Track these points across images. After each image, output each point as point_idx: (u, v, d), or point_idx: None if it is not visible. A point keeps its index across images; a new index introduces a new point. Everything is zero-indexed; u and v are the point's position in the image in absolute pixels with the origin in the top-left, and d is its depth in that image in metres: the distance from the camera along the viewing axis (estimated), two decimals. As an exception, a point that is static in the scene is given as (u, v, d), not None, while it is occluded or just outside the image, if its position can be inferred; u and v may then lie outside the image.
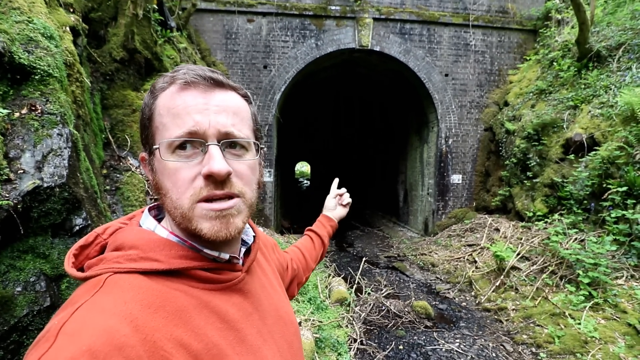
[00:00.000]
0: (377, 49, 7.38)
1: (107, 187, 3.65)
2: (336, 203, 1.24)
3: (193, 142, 0.51)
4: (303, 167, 29.10)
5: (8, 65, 2.43)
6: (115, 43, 4.33)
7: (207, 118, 0.52)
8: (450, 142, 7.79)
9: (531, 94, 6.72)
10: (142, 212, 0.61)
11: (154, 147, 0.53)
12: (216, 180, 0.51)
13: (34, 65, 2.58)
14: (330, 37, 7.29)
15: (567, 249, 4.39)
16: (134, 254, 0.51)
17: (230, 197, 0.53)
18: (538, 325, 3.79)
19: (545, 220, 5.34)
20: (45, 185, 2.29)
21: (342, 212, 1.25)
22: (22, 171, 2.26)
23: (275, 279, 0.75)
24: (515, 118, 6.83)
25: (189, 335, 0.47)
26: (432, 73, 7.61)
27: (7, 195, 2.11)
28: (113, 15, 4.49)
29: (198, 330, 0.49)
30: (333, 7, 7.19)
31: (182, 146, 0.51)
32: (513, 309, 4.26)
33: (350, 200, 1.25)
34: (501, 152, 7.10)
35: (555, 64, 6.46)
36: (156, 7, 5.03)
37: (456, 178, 7.88)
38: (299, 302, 3.98)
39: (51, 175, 2.35)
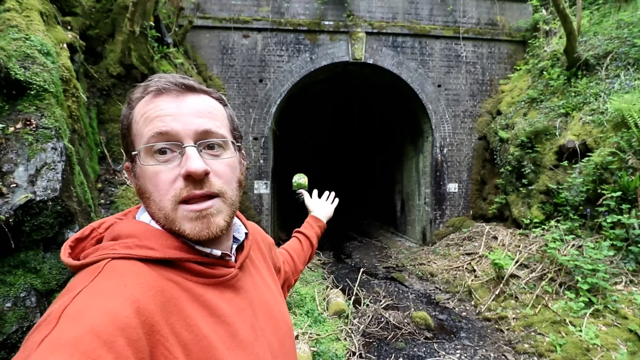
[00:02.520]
0: (371, 61, 7.51)
1: (102, 201, 3.63)
2: (321, 203, 1.20)
3: (170, 146, 0.53)
4: (300, 179, 29.11)
5: (4, 80, 2.46)
6: (112, 59, 4.39)
7: (180, 121, 0.53)
8: (445, 151, 7.85)
9: (523, 103, 6.82)
10: (138, 208, 0.62)
11: (134, 153, 0.55)
12: (195, 180, 0.52)
13: (30, 80, 2.60)
14: (324, 51, 7.42)
15: (565, 255, 4.38)
16: (130, 242, 0.51)
17: (209, 196, 0.54)
18: (539, 334, 3.74)
19: (543, 227, 5.35)
20: (38, 198, 2.29)
21: (329, 210, 1.25)
22: (14, 185, 2.26)
23: (269, 277, 0.75)
24: (508, 126, 6.92)
25: (180, 325, 0.48)
26: (425, 84, 7.74)
27: (1, 209, 2.09)
28: (110, 32, 4.57)
29: (189, 321, 0.49)
30: (326, 22, 7.35)
31: (161, 151, 0.53)
32: (513, 318, 4.21)
33: (336, 199, 1.21)
34: (496, 160, 7.16)
35: (545, 73, 6.59)
36: (153, 24, 5.13)
37: (452, 187, 7.91)
38: (296, 315, 3.92)
39: (44, 189, 2.35)
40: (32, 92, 2.59)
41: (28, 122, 2.53)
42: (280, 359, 0.63)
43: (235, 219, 0.70)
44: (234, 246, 0.65)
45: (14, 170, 2.30)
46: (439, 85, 7.78)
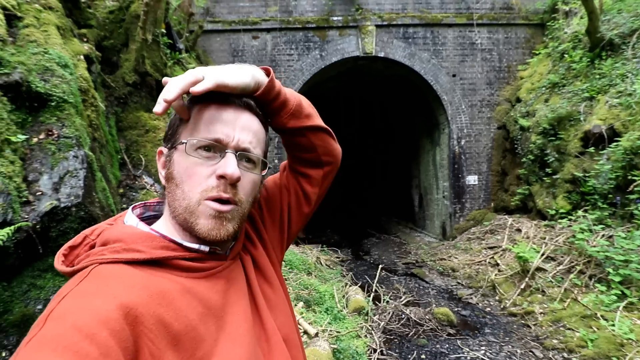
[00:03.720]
0: (382, 55, 7.41)
1: (124, 206, 3.75)
2: None
3: (216, 147, 0.58)
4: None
5: (26, 94, 2.57)
6: (127, 68, 4.52)
7: (233, 131, 0.59)
8: (462, 143, 7.65)
9: (544, 88, 6.55)
10: (126, 212, 0.64)
11: (182, 141, 0.58)
12: (226, 183, 0.57)
13: (50, 92, 2.71)
14: (334, 47, 7.38)
15: (594, 246, 4.18)
16: (118, 246, 0.53)
17: (231, 202, 0.58)
18: (569, 329, 3.59)
19: (569, 217, 5.12)
20: (62, 205, 2.38)
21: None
22: (40, 193, 2.35)
23: (267, 263, 0.73)
24: (529, 114, 6.66)
25: (170, 316, 0.48)
26: (439, 75, 7.56)
27: (27, 216, 2.19)
28: (124, 42, 4.69)
29: (179, 312, 0.50)
30: (335, 18, 7.30)
31: (206, 148, 0.58)
32: (541, 313, 4.06)
33: None
34: (517, 150, 6.91)
35: (566, 56, 6.30)
36: (165, 32, 5.24)
37: (472, 179, 7.71)
38: (315, 313, 3.92)
39: (68, 196, 2.44)
40: (52, 104, 2.70)
41: (50, 133, 2.63)
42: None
43: None
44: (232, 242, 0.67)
45: (39, 179, 2.41)
46: (454, 75, 7.59)
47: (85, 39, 4.00)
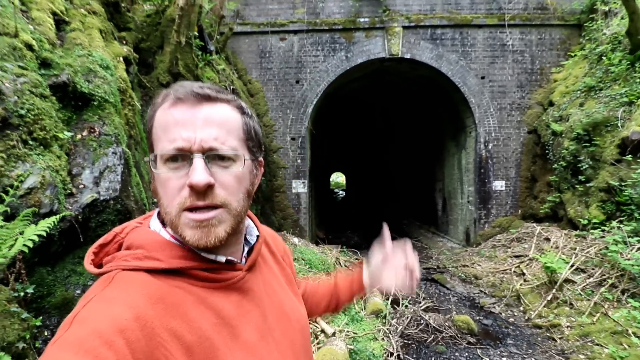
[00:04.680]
0: (408, 56, 7.34)
1: (155, 200, 3.93)
2: (384, 264, 0.90)
3: (180, 155, 0.55)
4: (338, 178, 29.16)
5: (72, 94, 2.78)
6: (161, 69, 4.75)
7: (193, 132, 0.54)
8: (490, 147, 7.44)
9: (579, 92, 6.26)
10: (153, 214, 0.65)
11: (146, 159, 0.59)
12: (198, 192, 0.54)
13: (93, 92, 2.91)
14: (360, 49, 7.38)
15: (628, 259, 3.97)
16: (139, 253, 0.56)
17: (213, 207, 0.55)
18: (597, 345, 3.44)
19: (602, 228, 4.88)
20: (101, 198, 2.56)
21: (390, 283, 0.87)
22: (82, 186, 2.54)
23: (283, 277, 0.76)
24: (562, 118, 6.39)
25: (183, 328, 0.51)
26: (467, 76, 7.39)
27: (70, 207, 2.38)
28: (160, 44, 4.93)
29: (193, 323, 0.53)
30: (362, 20, 7.30)
31: (173, 158, 0.55)
32: (568, 326, 3.91)
33: (418, 275, 0.87)
34: (548, 156, 6.65)
35: (604, 58, 5.99)
36: (197, 34, 5.45)
37: (499, 184, 7.48)
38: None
39: (106, 190, 2.62)
40: (95, 103, 2.90)
41: (92, 130, 2.83)
42: (289, 357, 0.65)
43: (249, 222, 0.72)
44: (246, 248, 0.68)
45: (81, 173, 2.60)
46: (483, 77, 7.39)
47: (124, 42, 4.25)
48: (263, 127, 7.26)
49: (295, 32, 7.38)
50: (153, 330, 0.48)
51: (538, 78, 7.35)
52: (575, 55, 6.95)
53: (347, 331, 3.57)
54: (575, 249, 5.02)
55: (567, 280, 4.50)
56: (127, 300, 0.49)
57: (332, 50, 7.40)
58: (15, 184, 2.03)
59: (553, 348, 3.70)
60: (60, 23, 3.30)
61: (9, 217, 1.87)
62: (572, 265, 4.64)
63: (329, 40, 7.39)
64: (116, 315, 0.46)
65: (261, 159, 0.68)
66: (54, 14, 3.20)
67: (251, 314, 0.61)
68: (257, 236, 0.72)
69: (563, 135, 6.14)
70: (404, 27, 7.30)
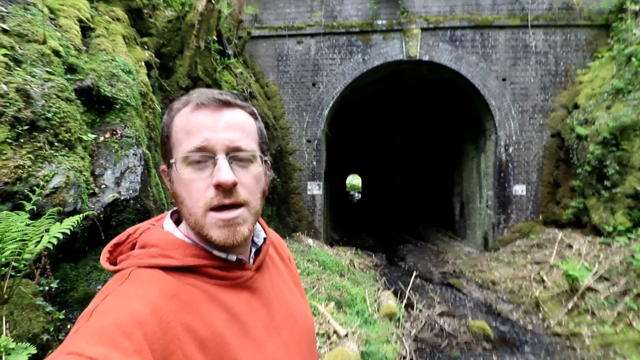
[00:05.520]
0: (426, 58, 7.25)
1: (173, 200, 4.05)
2: None
3: (204, 156, 0.58)
4: (354, 181, 29.04)
5: (96, 97, 2.91)
6: (181, 73, 4.89)
7: (215, 134, 0.58)
8: (510, 151, 7.25)
9: (606, 94, 6.01)
10: (166, 216, 0.69)
11: (171, 160, 0.60)
12: (224, 190, 0.57)
13: (116, 96, 3.04)
14: (377, 51, 7.35)
15: (657, 269, 3.78)
16: (154, 251, 0.59)
17: (237, 205, 0.58)
18: (619, 355, 3.29)
19: (629, 235, 4.67)
20: (122, 198, 2.66)
21: None
22: (104, 186, 2.66)
23: (290, 278, 0.79)
24: (587, 122, 6.15)
25: (196, 323, 0.54)
26: (488, 79, 7.23)
27: (93, 206, 2.49)
28: (180, 49, 5.09)
29: (205, 319, 0.55)
30: (379, 22, 7.27)
31: (195, 160, 0.58)
32: (589, 336, 3.76)
33: None
34: (572, 160, 6.41)
35: (633, 59, 5.73)
36: (215, 39, 5.58)
37: (519, 189, 7.27)
38: (346, 314, 3.97)
39: (127, 190, 2.72)
40: (117, 106, 3.02)
41: (114, 132, 2.95)
42: (295, 355, 0.66)
43: (257, 224, 0.74)
44: (253, 249, 0.71)
45: (103, 174, 2.72)
46: (504, 79, 7.21)
47: (146, 47, 4.41)
48: (279, 129, 7.34)
49: (312, 35, 7.43)
50: (169, 324, 0.50)
51: (562, 80, 7.10)
52: (602, 56, 6.67)
53: (360, 333, 3.56)
54: (599, 256, 4.82)
55: (589, 289, 4.33)
56: (144, 295, 0.51)
57: (349, 53, 7.41)
58: (42, 183, 2.15)
59: (573, 357, 3.57)
60: (86, 30, 3.46)
61: (35, 216, 1.98)
62: (595, 273, 4.45)
63: (345, 43, 7.40)
64: (135, 309, 0.49)
65: (269, 161, 0.71)
66: (80, 21, 3.36)
67: (260, 313, 0.63)
68: (264, 238, 0.74)
69: (588, 139, 5.91)
70: (423, 29, 7.22)
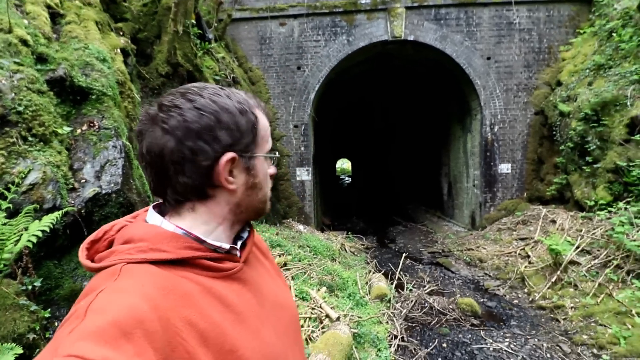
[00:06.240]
0: (411, 38, 7.16)
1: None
2: None
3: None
4: (344, 165, 29.08)
5: (69, 88, 2.78)
6: (160, 59, 4.71)
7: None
8: (496, 130, 7.32)
9: (587, 71, 6.08)
10: (146, 210, 0.67)
11: (256, 153, 0.68)
12: (272, 178, 0.74)
13: (91, 86, 2.91)
14: (361, 32, 7.22)
15: (634, 240, 3.93)
16: (144, 245, 0.57)
17: None
18: (600, 325, 3.45)
19: (609, 209, 4.82)
20: (103, 192, 2.59)
21: None
22: (84, 180, 2.57)
23: (273, 270, 0.82)
24: (570, 98, 6.23)
25: (195, 316, 0.53)
26: (473, 57, 7.21)
27: (73, 202, 2.42)
28: (157, 34, 4.88)
29: (203, 311, 0.55)
30: (363, 1, 7.11)
31: (271, 158, 0.73)
32: (571, 307, 3.92)
33: None
34: (555, 137, 6.53)
35: (614, 34, 5.77)
36: (194, 22, 5.37)
37: (505, 167, 7.40)
38: (338, 298, 4.03)
39: (108, 183, 2.65)
40: (93, 97, 2.90)
41: (92, 124, 2.84)
42: (285, 342, 0.69)
43: None
44: (239, 243, 0.71)
45: (82, 168, 2.63)
46: (489, 58, 7.20)
47: (121, 33, 4.21)
48: (265, 115, 7.22)
49: (295, 16, 7.23)
50: (169, 320, 0.49)
51: (546, 57, 7.13)
52: (584, 32, 6.71)
53: (352, 315, 3.63)
54: (581, 230, 4.98)
55: (572, 262, 4.49)
56: (142, 292, 0.50)
57: (333, 35, 7.25)
58: (17, 180, 2.06)
59: (556, 329, 3.73)
60: (55, 16, 3.28)
61: (13, 214, 1.91)
62: (577, 247, 4.61)
63: (329, 24, 7.23)
64: (133, 306, 0.47)
65: None
66: (48, 7, 3.17)
67: (251, 302, 0.64)
68: (248, 231, 0.75)
69: (571, 115, 6.01)
70: (407, 8, 7.09)
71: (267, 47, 7.35)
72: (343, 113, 14.20)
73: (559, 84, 6.82)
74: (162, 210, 0.67)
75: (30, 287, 2.00)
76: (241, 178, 0.65)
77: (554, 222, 5.83)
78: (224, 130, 0.62)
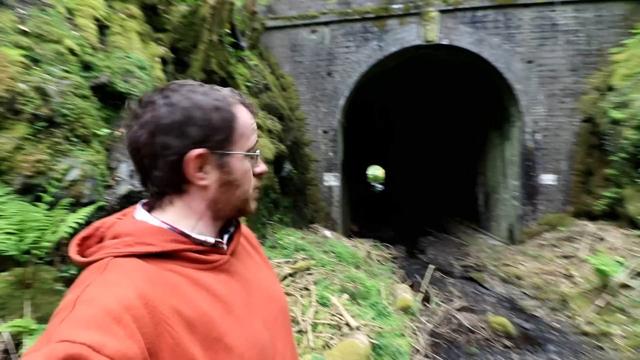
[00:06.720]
0: (445, 42, 6.95)
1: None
2: None
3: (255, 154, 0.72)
4: (376, 172, 28.69)
5: (111, 94, 2.99)
6: (196, 67, 4.95)
7: (256, 136, 0.72)
8: (537, 137, 6.86)
9: (645, 75, 5.54)
10: (135, 207, 0.69)
11: (233, 151, 0.67)
12: (260, 176, 0.73)
13: (130, 92, 3.11)
14: (393, 37, 7.13)
15: (699, 263, 3.48)
16: (130, 240, 0.59)
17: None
18: (655, 357, 3.07)
19: (669, 227, 4.32)
20: (136, 190, 2.74)
21: None
22: (119, 179, 2.75)
23: (263, 262, 0.83)
24: (623, 104, 5.70)
25: (182, 305, 0.55)
26: (512, 61, 6.85)
27: (109, 198, 2.58)
28: (194, 43, 5.14)
29: (190, 300, 0.56)
30: (395, 6, 7.03)
31: (252, 156, 0.71)
32: (620, 336, 3.53)
33: None
34: (606, 146, 5.99)
35: (678, 34, 5.23)
36: (229, 32, 5.60)
37: (547, 178, 6.89)
38: (360, 306, 3.94)
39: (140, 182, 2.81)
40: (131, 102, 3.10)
41: (128, 127, 3.04)
42: (274, 331, 0.70)
43: None
44: (226, 236, 0.72)
45: (118, 167, 2.81)
46: (530, 62, 6.80)
47: (161, 42, 4.49)
48: (295, 120, 7.32)
49: (326, 23, 7.31)
50: (155, 307, 0.51)
51: (595, 60, 6.60)
52: (639, 33, 6.13)
53: (373, 326, 3.52)
54: (633, 250, 4.49)
55: (623, 285, 4.06)
56: (128, 282, 0.52)
57: (364, 40, 7.23)
58: (59, 176, 2.24)
59: (601, 358, 3.38)
60: (103, 28, 3.56)
61: (54, 207, 2.07)
62: (629, 269, 4.16)
63: (360, 30, 7.22)
64: (121, 295, 0.49)
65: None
66: (96, 19, 3.45)
67: (239, 293, 0.66)
68: (236, 225, 0.76)
69: (624, 123, 5.48)
70: (441, 11, 6.91)
71: (298, 54, 7.49)
72: (374, 119, 14.06)
73: (610, 89, 6.27)
74: (150, 208, 0.69)
75: (66, 274, 2.15)
76: (214, 174, 0.65)
77: (602, 239, 5.32)
78: (195, 127, 0.62)
